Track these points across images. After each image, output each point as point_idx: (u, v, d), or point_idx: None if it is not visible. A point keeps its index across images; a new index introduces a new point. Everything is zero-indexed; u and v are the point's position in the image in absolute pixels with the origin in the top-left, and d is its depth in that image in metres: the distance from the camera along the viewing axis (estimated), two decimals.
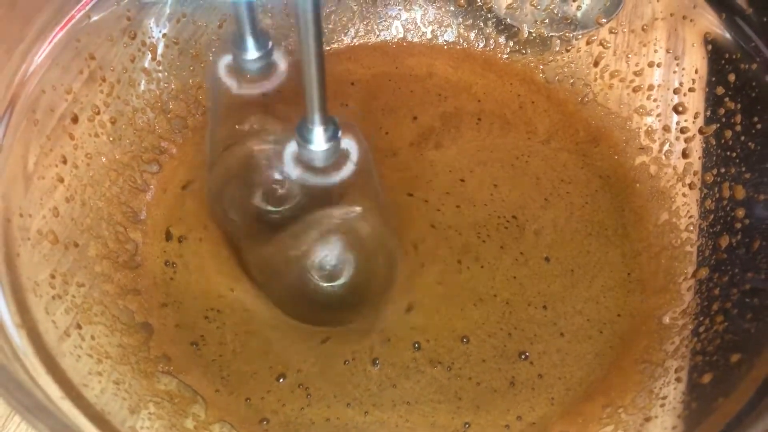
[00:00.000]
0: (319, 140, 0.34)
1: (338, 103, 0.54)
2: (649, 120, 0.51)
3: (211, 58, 0.53)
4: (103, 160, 0.47)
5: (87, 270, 0.43)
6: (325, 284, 0.44)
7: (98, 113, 0.47)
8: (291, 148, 0.36)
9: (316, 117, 0.33)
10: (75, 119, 0.45)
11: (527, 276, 0.46)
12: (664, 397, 0.39)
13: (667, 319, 0.43)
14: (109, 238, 0.46)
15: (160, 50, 0.51)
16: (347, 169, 0.36)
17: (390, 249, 0.45)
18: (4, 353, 0.31)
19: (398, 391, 0.42)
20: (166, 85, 0.52)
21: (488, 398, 0.41)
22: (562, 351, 0.43)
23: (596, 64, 0.53)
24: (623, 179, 0.51)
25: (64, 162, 0.44)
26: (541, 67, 0.56)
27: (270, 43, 0.39)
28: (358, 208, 0.41)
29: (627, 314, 0.45)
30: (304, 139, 0.34)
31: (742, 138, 0.45)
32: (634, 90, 0.52)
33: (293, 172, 0.36)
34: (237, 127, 0.44)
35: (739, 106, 0.45)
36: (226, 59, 0.40)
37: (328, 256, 0.44)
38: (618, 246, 0.48)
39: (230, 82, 0.40)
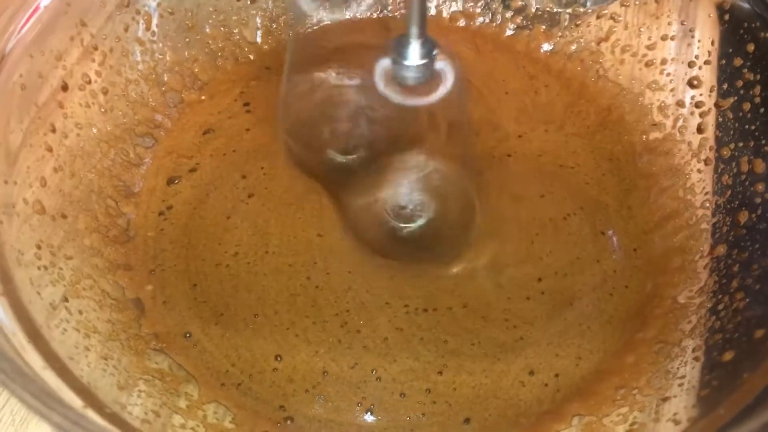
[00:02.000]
0: (414, 55, 0.33)
1: None
2: (662, 95, 0.49)
3: (207, 30, 0.52)
4: (94, 131, 0.45)
5: (75, 243, 0.41)
6: (404, 225, 0.43)
7: (89, 83, 0.45)
8: (384, 64, 0.35)
9: (415, 30, 0.32)
10: (65, 87, 0.43)
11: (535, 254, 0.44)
12: (682, 377, 0.37)
13: (683, 298, 0.42)
14: (99, 211, 0.44)
15: (155, 20, 0.49)
16: (440, 90, 0.35)
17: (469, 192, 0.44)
18: None
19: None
20: (160, 56, 0.50)
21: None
22: (572, 333, 0.41)
23: (607, 38, 0.52)
24: (634, 158, 0.49)
25: (53, 131, 0.42)
26: (550, 43, 0.54)
27: None
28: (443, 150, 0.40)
29: (641, 295, 0.43)
30: (399, 53, 0.33)
31: (762, 110, 0.43)
32: (647, 65, 0.50)
33: (384, 88, 0.35)
34: (317, 61, 0.44)
35: (758, 77, 0.43)
36: None
37: (408, 196, 0.43)
38: (627, 223, 0.46)
39: (313, 10, 0.41)
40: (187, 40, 0.51)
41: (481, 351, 0.41)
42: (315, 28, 0.43)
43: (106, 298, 0.40)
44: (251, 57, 0.53)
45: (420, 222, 0.44)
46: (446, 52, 0.35)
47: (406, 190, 0.43)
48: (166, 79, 0.50)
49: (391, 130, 0.43)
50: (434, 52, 0.34)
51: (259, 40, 0.54)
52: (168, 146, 0.49)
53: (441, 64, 0.35)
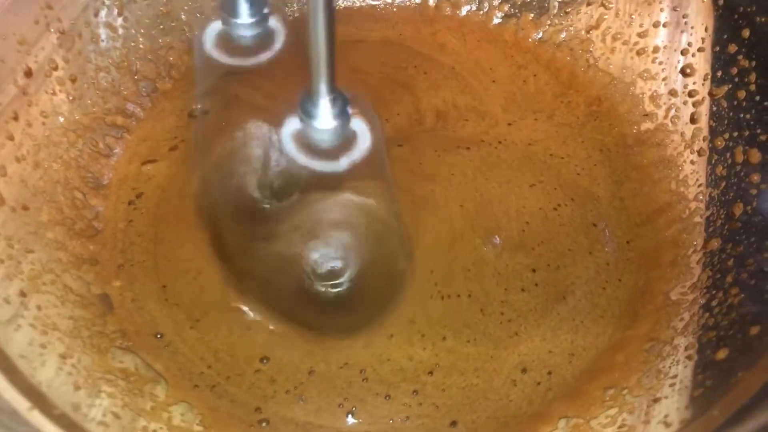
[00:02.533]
0: (325, 116, 0.29)
1: None
2: (654, 84, 0.47)
3: (183, 17, 0.50)
4: (61, 120, 0.43)
5: (37, 236, 0.39)
6: (323, 286, 0.40)
7: (56, 69, 0.43)
8: (292, 125, 0.30)
9: (323, 87, 0.28)
10: (29, 73, 0.41)
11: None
12: (674, 377, 0.35)
13: (675, 295, 0.40)
14: (64, 203, 0.42)
15: (127, 5, 0.47)
16: (356, 154, 0.30)
17: (398, 248, 0.41)
18: None
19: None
20: (133, 43, 0.48)
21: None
22: (565, 328, 0.39)
23: (597, 26, 0.50)
24: (625, 149, 0.47)
25: (15, 119, 0.40)
26: (538, 31, 0.52)
27: (266, 8, 0.34)
28: (366, 200, 0.37)
29: (633, 289, 0.41)
30: (307, 114, 0.29)
31: (757, 98, 0.41)
32: (638, 53, 0.48)
33: (293, 154, 0.30)
34: (227, 108, 0.40)
35: (753, 63, 0.41)
36: (216, 27, 0.35)
37: (327, 254, 0.40)
38: (620, 215, 0.44)
39: (219, 55, 0.35)
40: (162, 26, 0.49)
41: (475, 349, 0.39)
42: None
43: (69, 293, 0.38)
44: None
45: (344, 280, 0.40)
46: (361, 107, 0.30)
47: (327, 244, 0.40)
48: (139, 66, 0.48)
49: (305, 180, 0.38)
50: (348, 111, 0.29)
51: None
52: (142, 135, 0.47)
53: (357, 124, 0.30)
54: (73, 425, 0.28)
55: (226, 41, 0.35)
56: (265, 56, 0.35)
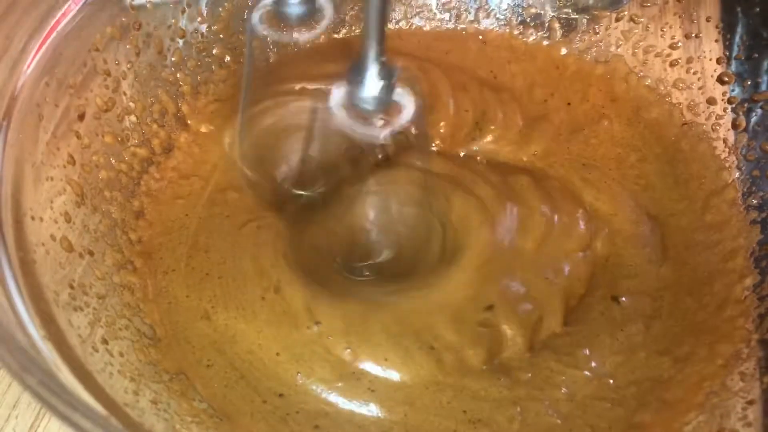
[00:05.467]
0: (372, 82, 0.31)
1: None
2: (690, 94, 0.48)
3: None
4: (112, 161, 0.43)
5: (105, 281, 0.38)
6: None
7: (106, 111, 0.43)
8: (339, 91, 0.33)
9: (372, 53, 0.30)
10: (81, 116, 0.41)
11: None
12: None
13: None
14: (124, 246, 0.41)
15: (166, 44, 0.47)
16: (397, 122, 0.33)
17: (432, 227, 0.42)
18: (37, 365, 0.26)
19: None
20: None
21: None
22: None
23: (627, 40, 0.51)
24: (666, 160, 0.48)
25: (72, 163, 0.40)
26: (565, 49, 0.53)
27: None
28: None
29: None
30: (355, 80, 0.32)
31: None
32: (671, 64, 0.49)
33: (339, 116, 0.33)
34: (275, 87, 0.42)
35: None
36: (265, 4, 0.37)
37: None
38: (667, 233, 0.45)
39: (268, 32, 0.38)
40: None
41: None
42: (272, 60, 0.43)
43: (143, 337, 0.37)
44: None
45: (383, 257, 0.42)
46: (407, 76, 0.34)
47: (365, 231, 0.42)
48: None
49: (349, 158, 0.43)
50: (393, 79, 0.32)
51: None
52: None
53: (400, 91, 0.33)
54: None
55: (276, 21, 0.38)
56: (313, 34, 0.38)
